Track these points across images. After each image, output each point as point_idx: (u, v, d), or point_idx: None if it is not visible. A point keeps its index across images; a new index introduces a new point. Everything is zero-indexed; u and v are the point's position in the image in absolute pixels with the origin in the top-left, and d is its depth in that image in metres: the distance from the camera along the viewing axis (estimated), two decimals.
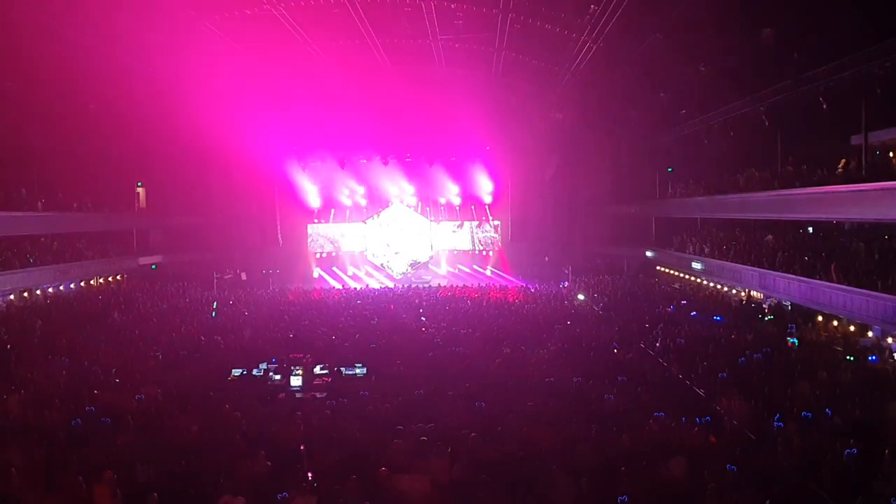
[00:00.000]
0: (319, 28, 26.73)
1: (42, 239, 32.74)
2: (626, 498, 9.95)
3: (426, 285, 37.85)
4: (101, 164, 34.82)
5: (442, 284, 37.88)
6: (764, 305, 26.51)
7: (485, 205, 43.75)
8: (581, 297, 31.46)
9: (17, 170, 30.54)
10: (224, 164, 39.04)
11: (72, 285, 33.00)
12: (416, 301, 31.22)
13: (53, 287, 31.61)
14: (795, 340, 20.72)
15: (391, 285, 39.35)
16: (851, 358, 18.70)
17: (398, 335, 22.75)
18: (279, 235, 43.98)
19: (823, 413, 13.39)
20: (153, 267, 40.64)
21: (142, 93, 29.90)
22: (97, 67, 26.33)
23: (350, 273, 43.50)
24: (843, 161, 22.36)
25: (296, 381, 17.42)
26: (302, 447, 11.85)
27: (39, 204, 31.45)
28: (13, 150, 28.92)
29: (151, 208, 41.98)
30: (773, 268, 25.09)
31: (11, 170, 30.07)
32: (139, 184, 41.60)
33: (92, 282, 35.10)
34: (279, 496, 10.01)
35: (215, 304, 29.33)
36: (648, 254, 40.07)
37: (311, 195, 43.48)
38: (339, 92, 33.76)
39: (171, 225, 42.85)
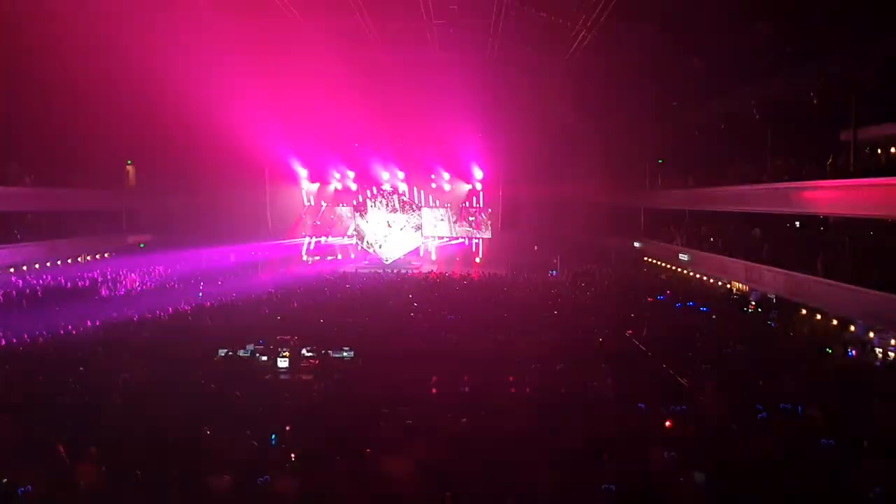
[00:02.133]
0: (311, 5, 26.39)
1: (29, 215, 32.46)
2: (612, 487, 9.96)
3: (416, 269, 37.91)
4: (90, 140, 34.35)
5: (433, 270, 37.83)
6: (749, 298, 26.74)
7: (475, 193, 43.69)
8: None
9: (5, 145, 30.13)
10: (214, 143, 38.51)
11: (59, 262, 32.75)
12: (406, 287, 31.28)
13: (41, 263, 31.38)
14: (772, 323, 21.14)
15: (380, 270, 39.32)
16: (829, 350, 19.02)
17: (388, 321, 22.80)
18: (269, 219, 43.70)
19: (803, 405, 13.57)
20: (141, 245, 40.39)
21: (132, 69, 29.39)
22: (87, 43, 25.89)
23: (340, 257, 43.60)
24: (832, 156, 22.49)
25: (283, 363, 17.45)
26: (287, 428, 11.89)
27: (28, 179, 31.15)
28: (2, 125, 28.51)
29: (141, 186, 41.63)
30: (759, 260, 25.29)
31: (0, 145, 29.68)
32: (129, 161, 41.22)
33: (80, 259, 34.84)
34: (261, 479, 9.93)
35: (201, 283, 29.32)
36: (636, 244, 40.26)
37: (303, 179, 43.48)
38: (331, 75, 33.32)
39: (160, 203, 42.45)
